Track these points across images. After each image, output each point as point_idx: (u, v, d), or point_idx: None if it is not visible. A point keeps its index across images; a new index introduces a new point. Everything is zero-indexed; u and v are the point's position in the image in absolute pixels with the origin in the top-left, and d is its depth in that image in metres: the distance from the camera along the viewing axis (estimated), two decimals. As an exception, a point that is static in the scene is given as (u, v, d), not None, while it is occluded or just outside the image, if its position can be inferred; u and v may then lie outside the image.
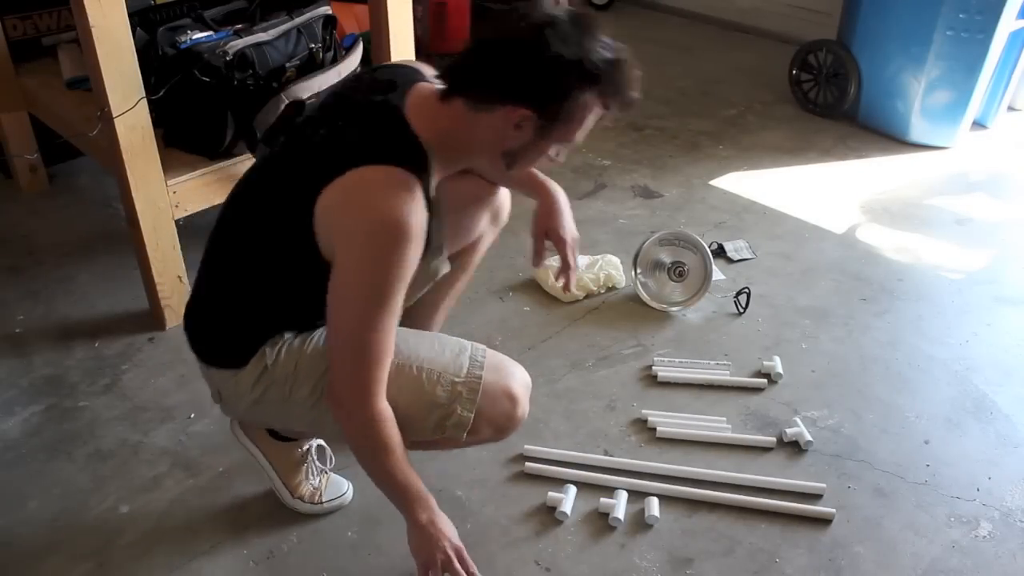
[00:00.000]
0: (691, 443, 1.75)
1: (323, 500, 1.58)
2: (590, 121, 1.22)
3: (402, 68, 1.34)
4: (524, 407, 1.39)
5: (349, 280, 1.18)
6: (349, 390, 1.23)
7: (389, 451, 1.27)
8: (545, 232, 1.57)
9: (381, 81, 1.28)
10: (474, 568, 1.32)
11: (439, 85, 1.23)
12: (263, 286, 1.32)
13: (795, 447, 1.73)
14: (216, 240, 1.38)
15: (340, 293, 1.20)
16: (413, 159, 1.19)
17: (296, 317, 1.36)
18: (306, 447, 1.57)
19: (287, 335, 1.35)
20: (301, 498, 1.56)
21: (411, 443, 1.34)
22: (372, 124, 1.22)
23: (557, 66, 1.13)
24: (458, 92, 1.19)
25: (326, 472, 1.60)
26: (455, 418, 1.34)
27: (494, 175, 1.52)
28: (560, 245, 1.57)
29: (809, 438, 1.74)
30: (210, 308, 1.38)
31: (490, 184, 1.58)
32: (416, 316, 1.68)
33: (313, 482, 1.58)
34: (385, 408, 1.25)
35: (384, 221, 1.13)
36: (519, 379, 1.40)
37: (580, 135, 1.23)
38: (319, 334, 1.36)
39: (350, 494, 1.60)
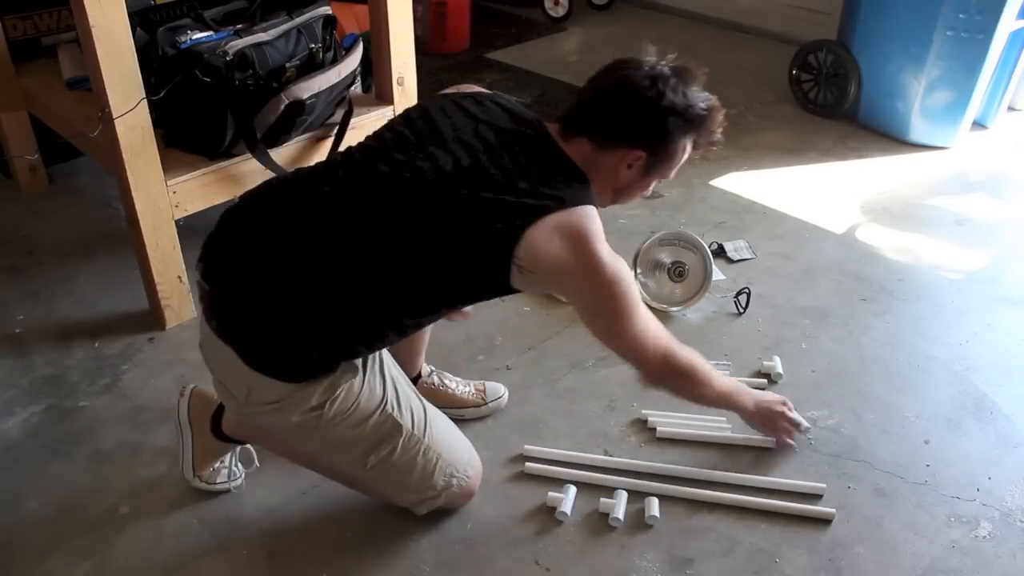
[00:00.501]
0: (691, 443, 1.75)
1: (215, 481, 1.60)
2: (684, 159, 1.42)
3: (484, 95, 1.46)
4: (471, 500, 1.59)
5: (610, 324, 1.38)
6: (661, 374, 1.46)
7: (706, 385, 1.52)
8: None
9: (490, 108, 1.41)
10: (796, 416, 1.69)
11: (556, 123, 1.40)
12: (382, 302, 1.31)
13: (795, 444, 1.73)
14: (306, 245, 1.30)
15: (605, 332, 1.40)
16: (590, 192, 1.37)
17: (388, 333, 1.37)
18: (236, 451, 1.61)
19: (359, 361, 1.37)
20: (199, 477, 1.59)
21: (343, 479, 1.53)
22: (548, 160, 1.36)
23: (669, 114, 1.33)
24: (582, 132, 1.37)
25: (241, 473, 1.63)
26: (432, 503, 1.51)
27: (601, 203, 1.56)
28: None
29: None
30: (285, 317, 1.30)
31: None
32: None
33: (220, 473, 1.60)
34: (684, 360, 1.47)
35: (615, 276, 1.31)
36: (480, 476, 1.58)
37: (675, 171, 1.43)
38: (370, 374, 1.39)
39: (239, 483, 1.62)
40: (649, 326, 1.40)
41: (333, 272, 1.29)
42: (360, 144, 1.42)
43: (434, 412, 1.50)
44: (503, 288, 1.33)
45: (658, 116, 1.33)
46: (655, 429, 1.77)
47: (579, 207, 1.30)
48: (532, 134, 1.37)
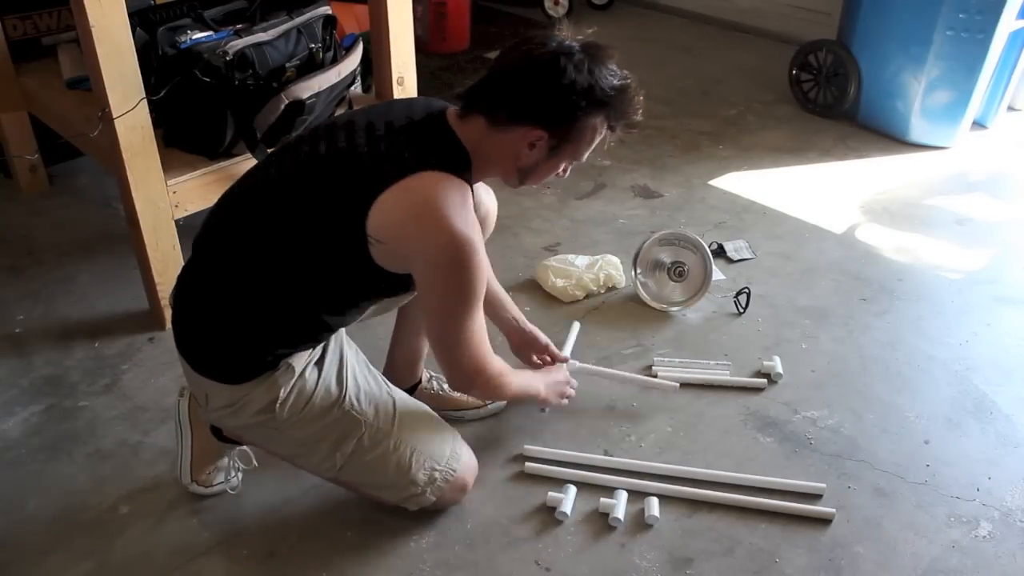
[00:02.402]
0: (691, 443, 1.75)
1: (212, 484, 1.60)
2: (596, 141, 1.35)
3: (417, 99, 1.44)
4: (467, 494, 1.57)
5: (440, 301, 1.31)
6: (467, 373, 1.39)
7: (508, 385, 1.49)
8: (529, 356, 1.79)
9: (406, 105, 1.38)
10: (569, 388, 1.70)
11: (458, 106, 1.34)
12: (285, 296, 1.33)
13: (795, 444, 1.74)
14: (223, 246, 1.37)
15: (434, 311, 1.33)
16: (463, 165, 1.30)
17: (311, 328, 1.38)
18: (234, 452, 1.61)
19: (298, 364, 1.37)
20: (196, 481, 1.59)
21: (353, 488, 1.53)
22: (423, 133, 1.31)
23: (570, 92, 1.25)
24: (478, 111, 1.30)
25: (238, 473, 1.63)
26: (420, 499, 1.49)
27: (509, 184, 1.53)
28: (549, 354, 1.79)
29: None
30: (214, 318, 1.37)
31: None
32: (407, 326, 1.73)
33: (216, 476, 1.60)
34: (496, 365, 1.43)
35: (458, 244, 1.23)
36: (473, 469, 1.56)
37: (587, 153, 1.36)
38: (326, 372, 1.40)
39: (236, 483, 1.62)
40: (480, 327, 1.35)
41: (238, 270, 1.35)
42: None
43: (408, 407, 1.49)
44: (369, 266, 1.28)
45: (559, 94, 1.25)
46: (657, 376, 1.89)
47: (433, 172, 1.24)
48: (421, 118, 1.33)
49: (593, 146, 1.36)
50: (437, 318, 1.34)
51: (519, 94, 1.28)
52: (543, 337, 1.77)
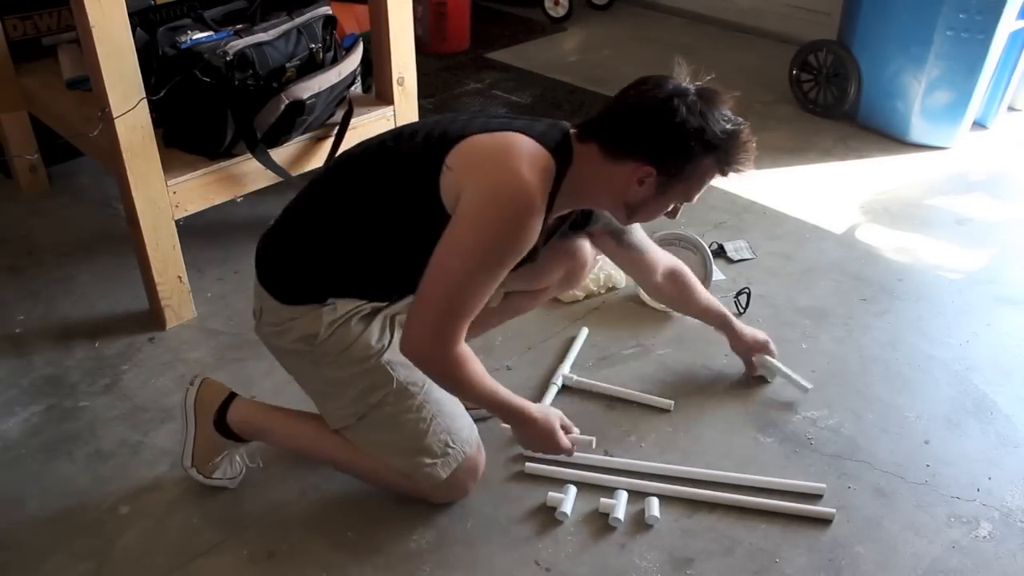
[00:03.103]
0: (691, 443, 1.75)
1: (213, 475, 1.61)
2: (708, 183, 1.39)
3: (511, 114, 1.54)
4: (474, 485, 1.58)
5: (467, 233, 1.27)
6: (427, 339, 1.32)
7: (470, 386, 1.39)
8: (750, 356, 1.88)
9: (530, 117, 1.44)
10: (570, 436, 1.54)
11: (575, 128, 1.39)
12: (355, 241, 1.39)
13: (795, 444, 1.74)
14: (328, 188, 1.45)
15: (454, 242, 1.27)
16: (563, 153, 1.33)
17: (376, 280, 1.43)
18: (237, 450, 1.61)
19: (352, 306, 1.41)
20: (196, 468, 1.59)
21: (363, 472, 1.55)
22: (543, 124, 1.37)
23: (681, 132, 1.30)
24: (594, 137, 1.35)
25: (241, 469, 1.63)
26: (432, 471, 1.48)
27: (618, 219, 1.54)
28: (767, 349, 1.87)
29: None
30: (291, 238, 1.45)
31: (575, 247, 1.70)
32: None
33: (218, 468, 1.60)
34: (461, 352, 1.34)
35: (517, 185, 1.24)
36: (483, 460, 1.57)
37: (698, 194, 1.40)
38: (372, 326, 1.43)
39: (236, 480, 1.62)
40: (481, 293, 1.29)
41: (326, 203, 1.43)
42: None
43: (436, 386, 1.48)
44: (433, 202, 1.30)
45: (670, 133, 1.31)
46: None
47: (530, 139, 1.31)
48: (543, 120, 1.40)
49: (704, 188, 1.40)
50: (447, 252, 1.28)
51: (632, 129, 1.33)
52: (763, 336, 1.88)
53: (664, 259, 1.78)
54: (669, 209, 1.42)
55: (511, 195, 1.25)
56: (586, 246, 1.71)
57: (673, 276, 1.80)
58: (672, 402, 1.83)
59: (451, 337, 1.32)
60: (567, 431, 1.54)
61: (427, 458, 1.48)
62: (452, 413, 1.51)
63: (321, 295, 1.41)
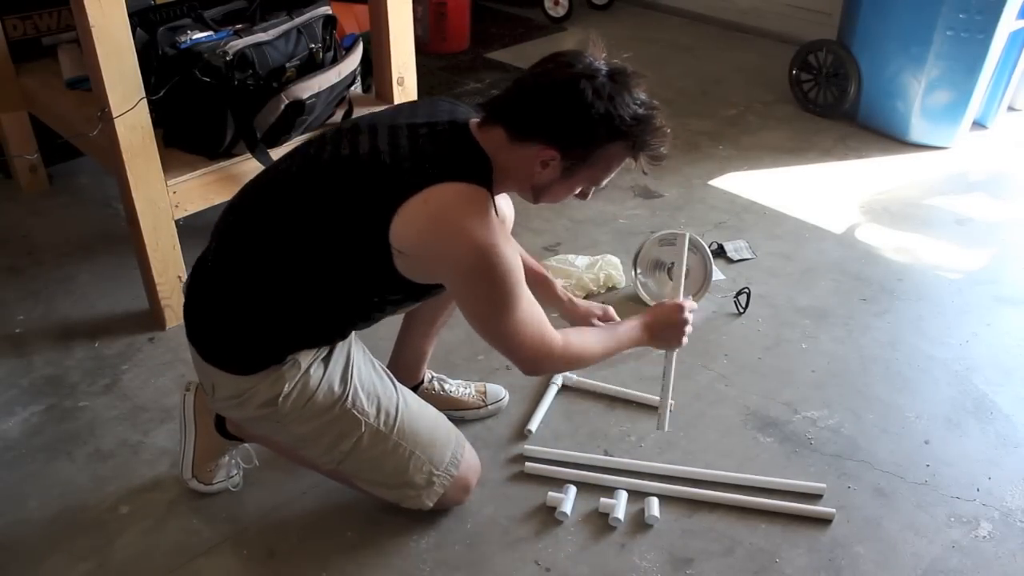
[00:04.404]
0: (691, 443, 1.75)
1: (213, 481, 1.61)
2: (616, 168, 1.33)
3: (441, 100, 1.42)
4: (471, 495, 1.57)
5: (477, 307, 1.30)
6: (531, 363, 1.37)
7: (586, 351, 1.43)
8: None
9: (429, 108, 1.37)
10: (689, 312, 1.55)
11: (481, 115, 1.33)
12: (302, 296, 1.32)
13: (795, 444, 1.74)
14: (243, 239, 1.36)
15: (476, 317, 1.31)
16: (484, 175, 1.28)
17: (335, 322, 1.39)
18: (236, 450, 1.61)
19: (304, 360, 1.37)
20: (196, 478, 1.59)
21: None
22: (444, 141, 1.30)
23: (586, 117, 1.23)
24: (498, 121, 1.28)
25: (240, 472, 1.63)
26: (417, 500, 1.50)
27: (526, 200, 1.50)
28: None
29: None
30: (228, 309, 1.37)
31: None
32: (414, 328, 1.73)
33: (217, 473, 1.60)
34: (563, 342, 1.38)
35: (479, 251, 1.22)
36: (475, 471, 1.56)
37: (606, 179, 1.34)
38: (331, 370, 1.40)
39: (237, 481, 1.63)
40: (530, 317, 1.31)
41: (257, 266, 1.34)
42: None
43: (412, 410, 1.48)
44: (394, 276, 1.27)
45: (575, 117, 1.23)
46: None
47: (453, 183, 1.23)
48: (444, 124, 1.32)
49: (612, 174, 1.34)
50: (481, 323, 1.32)
51: (536, 111, 1.26)
52: (598, 306, 1.71)
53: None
54: (578, 192, 1.36)
55: (479, 263, 1.23)
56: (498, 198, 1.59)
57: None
58: (673, 402, 1.83)
59: (547, 347, 1.35)
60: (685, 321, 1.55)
61: (411, 490, 1.48)
62: (430, 441, 1.48)
63: (279, 355, 1.35)
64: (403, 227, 1.22)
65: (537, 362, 1.37)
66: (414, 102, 1.47)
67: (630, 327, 1.51)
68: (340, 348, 1.43)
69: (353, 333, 1.47)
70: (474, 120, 1.33)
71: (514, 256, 1.26)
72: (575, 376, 1.88)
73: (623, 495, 1.60)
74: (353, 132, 1.35)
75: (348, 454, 1.43)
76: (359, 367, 1.44)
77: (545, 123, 1.25)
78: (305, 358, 1.37)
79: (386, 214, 1.22)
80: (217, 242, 1.40)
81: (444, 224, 1.22)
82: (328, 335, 1.39)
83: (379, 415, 1.43)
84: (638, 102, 1.25)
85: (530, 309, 1.32)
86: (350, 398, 1.40)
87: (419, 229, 1.22)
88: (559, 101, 1.24)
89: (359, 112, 2.21)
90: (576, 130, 1.24)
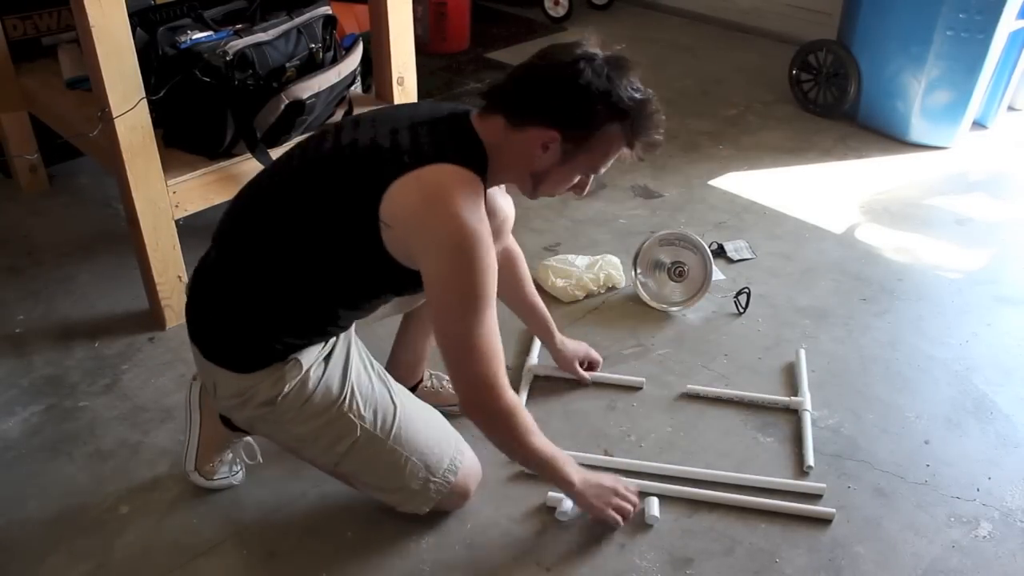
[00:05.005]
0: (691, 443, 1.75)
1: (214, 476, 1.61)
2: (614, 155, 1.33)
3: (445, 103, 1.44)
4: (470, 500, 1.57)
5: (448, 294, 1.28)
6: (477, 394, 1.33)
7: (530, 434, 1.39)
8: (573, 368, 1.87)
9: (431, 107, 1.39)
10: (634, 495, 1.54)
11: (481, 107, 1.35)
12: (299, 284, 1.34)
13: (795, 444, 1.73)
14: (242, 236, 1.39)
15: (441, 306, 1.30)
16: (479, 163, 1.30)
17: (323, 320, 1.39)
18: (239, 445, 1.61)
19: (306, 360, 1.38)
20: (198, 471, 1.59)
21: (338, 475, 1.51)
22: (443, 128, 1.32)
23: (585, 95, 1.25)
24: (498, 109, 1.30)
25: (243, 465, 1.63)
26: (412, 506, 1.50)
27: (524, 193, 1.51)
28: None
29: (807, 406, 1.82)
30: (229, 306, 1.39)
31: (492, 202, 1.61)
32: (413, 328, 1.73)
33: (220, 468, 1.61)
34: (512, 398, 1.35)
35: (464, 233, 1.22)
36: (475, 476, 1.56)
37: (604, 166, 1.35)
38: (329, 372, 1.40)
39: (240, 477, 1.63)
40: (491, 333, 1.29)
41: (255, 260, 1.36)
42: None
43: (410, 415, 1.47)
44: (381, 253, 1.28)
45: (574, 95, 1.25)
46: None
47: (448, 165, 1.25)
48: (444, 116, 1.34)
49: (610, 161, 1.34)
50: (444, 316, 1.30)
51: (536, 93, 1.28)
52: (585, 349, 1.83)
53: (506, 237, 1.66)
54: (576, 182, 1.37)
55: (462, 244, 1.23)
56: (497, 195, 1.58)
57: (506, 253, 1.69)
58: (643, 379, 1.86)
59: (494, 384, 1.32)
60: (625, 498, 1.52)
61: (406, 495, 1.49)
62: (428, 447, 1.47)
63: (278, 350, 1.36)
64: (394, 200, 1.24)
65: (480, 390, 1.32)
66: (417, 103, 1.50)
67: (571, 464, 1.48)
68: (340, 348, 1.44)
69: (354, 332, 1.47)
70: (476, 112, 1.35)
71: (493, 259, 1.27)
72: (538, 362, 1.88)
73: (623, 495, 1.60)
74: (354, 125, 1.37)
75: (345, 456, 1.43)
76: (357, 370, 1.45)
77: (545, 104, 1.27)
78: (306, 358, 1.38)
79: (379, 188, 1.24)
80: (219, 238, 1.42)
81: (435, 200, 1.24)
82: (324, 325, 1.40)
83: (375, 419, 1.43)
84: (635, 86, 1.28)
85: (494, 328, 1.30)
86: (347, 401, 1.41)
87: (410, 201, 1.24)
88: (559, 82, 1.26)
89: (359, 112, 2.22)
90: (576, 109, 1.26)
